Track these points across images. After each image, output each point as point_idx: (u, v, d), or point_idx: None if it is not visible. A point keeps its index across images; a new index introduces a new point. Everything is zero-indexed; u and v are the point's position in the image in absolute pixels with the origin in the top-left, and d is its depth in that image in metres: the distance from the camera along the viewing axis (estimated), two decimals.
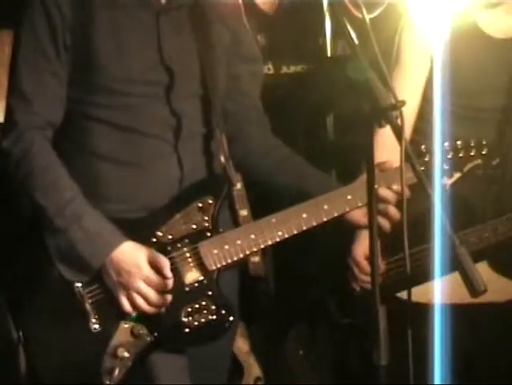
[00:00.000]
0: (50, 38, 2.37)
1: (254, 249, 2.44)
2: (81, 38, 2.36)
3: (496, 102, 2.87)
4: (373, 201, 1.89)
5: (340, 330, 3.04)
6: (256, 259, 3.27)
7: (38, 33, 2.37)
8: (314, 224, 2.43)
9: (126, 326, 2.38)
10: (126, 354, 2.38)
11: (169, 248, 2.41)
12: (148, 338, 2.39)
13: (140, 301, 2.33)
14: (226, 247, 2.41)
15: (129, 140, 2.43)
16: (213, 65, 2.50)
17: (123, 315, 2.36)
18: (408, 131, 2.71)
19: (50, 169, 2.37)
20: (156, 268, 2.35)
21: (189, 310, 2.41)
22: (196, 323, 2.41)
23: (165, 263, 2.35)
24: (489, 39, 2.86)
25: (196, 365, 2.49)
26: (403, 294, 2.66)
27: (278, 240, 2.43)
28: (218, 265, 2.41)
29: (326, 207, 2.44)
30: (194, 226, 2.43)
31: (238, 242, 2.42)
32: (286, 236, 2.43)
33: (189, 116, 2.48)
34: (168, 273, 2.34)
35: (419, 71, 2.88)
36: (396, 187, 2.41)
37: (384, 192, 2.43)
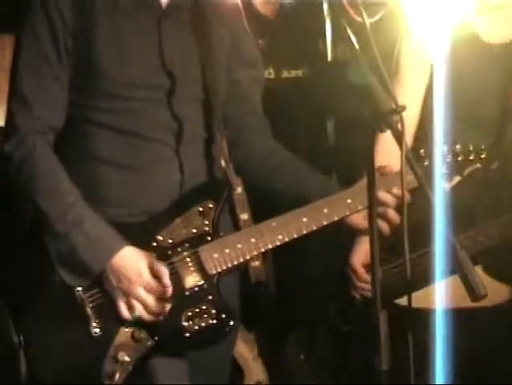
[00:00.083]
0: (52, 43, 2.37)
1: (255, 253, 2.44)
2: (82, 42, 2.37)
3: (495, 109, 2.87)
4: (374, 205, 1.89)
5: (341, 335, 3.04)
6: (256, 263, 3.27)
7: (39, 37, 2.37)
8: (315, 228, 2.43)
9: (126, 330, 2.38)
10: (126, 359, 2.38)
11: (170, 252, 2.41)
12: (149, 343, 2.39)
13: (139, 307, 2.33)
14: (227, 251, 2.41)
15: (131, 145, 2.43)
16: (214, 69, 2.50)
17: (122, 321, 2.36)
18: (409, 140, 2.71)
19: (52, 174, 2.37)
20: (155, 275, 2.35)
21: (190, 314, 2.41)
22: (196, 327, 2.40)
23: (165, 272, 2.35)
24: (488, 47, 2.86)
25: (196, 369, 2.49)
26: (401, 301, 2.67)
27: (278, 243, 2.43)
28: (219, 269, 2.41)
29: (326, 211, 2.44)
30: (195, 230, 2.43)
31: (239, 246, 2.42)
32: (287, 239, 2.43)
33: (191, 120, 2.48)
34: (167, 282, 2.34)
35: (419, 81, 2.88)
36: (396, 190, 2.41)
37: (383, 195, 2.42)
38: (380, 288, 1.88)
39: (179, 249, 2.41)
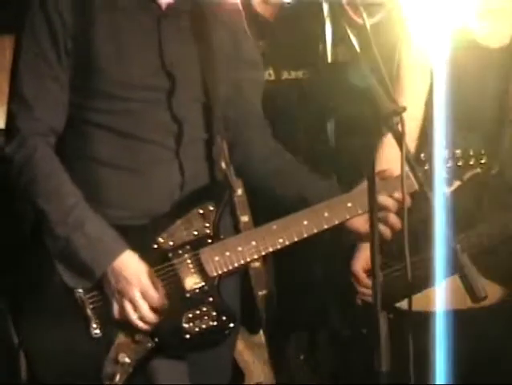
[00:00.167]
0: (52, 44, 2.36)
1: (255, 256, 2.44)
2: (82, 42, 2.36)
3: (495, 114, 2.88)
4: (374, 209, 1.89)
5: (341, 338, 3.05)
6: (257, 264, 3.27)
7: (39, 38, 2.37)
8: (315, 231, 2.43)
9: (126, 331, 2.39)
10: (127, 360, 2.38)
11: (170, 254, 2.41)
12: (149, 344, 2.40)
13: (129, 310, 2.33)
14: (227, 253, 2.41)
15: (129, 146, 2.43)
16: (214, 70, 2.50)
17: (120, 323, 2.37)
18: (412, 146, 2.72)
19: (53, 175, 2.37)
20: (153, 282, 2.35)
21: (190, 315, 2.41)
22: (197, 329, 2.41)
23: (161, 289, 2.35)
24: (487, 52, 2.87)
25: (197, 371, 2.49)
26: (401, 304, 2.68)
27: (279, 247, 2.43)
28: (219, 272, 2.41)
29: (326, 214, 2.44)
30: (195, 232, 2.43)
31: (239, 249, 2.42)
32: (287, 243, 2.43)
33: (190, 122, 2.48)
34: (162, 295, 2.35)
35: (420, 87, 2.88)
36: (397, 195, 2.41)
37: (384, 199, 2.42)
38: (382, 292, 1.88)
39: (180, 251, 2.41)
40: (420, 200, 1.97)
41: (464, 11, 2.82)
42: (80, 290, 2.35)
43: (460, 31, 2.83)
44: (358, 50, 1.94)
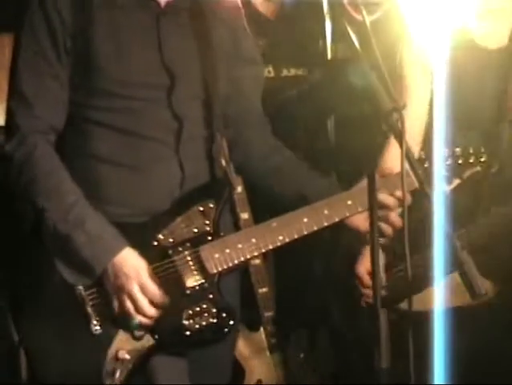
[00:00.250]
0: (51, 42, 2.37)
1: (255, 253, 2.44)
2: (81, 40, 2.36)
3: (494, 113, 2.88)
4: (374, 207, 1.89)
5: (342, 337, 3.06)
6: (257, 262, 3.27)
7: (38, 36, 2.37)
8: (315, 228, 2.44)
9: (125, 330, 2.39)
10: (127, 357, 2.38)
11: (170, 251, 2.41)
12: (149, 341, 2.40)
13: (128, 305, 2.33)
14: (227, 251, 2.42)
15: (129, 143, 2.43)
16: (214, 68, 2.50)
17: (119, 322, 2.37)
18: (417, 148, 2.72)
19: (53, 174, 2.37)
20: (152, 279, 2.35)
21: (190, 312, 2.41)
22: (197, 326, 2.41)
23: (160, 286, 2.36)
24: (486, 52, 2.87)
25: (197, 368, 2.50)
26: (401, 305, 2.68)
27: (279, 244, 2.43)
28: (219, 269, 2.42)
29: (326, 212, 2.44)
30: (195, 230, 2.43)
31: (239, 246, 2.42)
32: (287, 240, 2.43)
33: (190, 119, 2.48)
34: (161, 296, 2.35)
35: (422, 87, 2.88)
36: (398, 193, 2.41)
37: (384, 197, 2.43)
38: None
39: (180, 249, 2.42)
40: (421, 198, 1.97)
41: (463, 11, 2.82)
42: (80, 287, 2.36)
43: (459, 31, 2.83)
44: (358, 47, 1.94)
